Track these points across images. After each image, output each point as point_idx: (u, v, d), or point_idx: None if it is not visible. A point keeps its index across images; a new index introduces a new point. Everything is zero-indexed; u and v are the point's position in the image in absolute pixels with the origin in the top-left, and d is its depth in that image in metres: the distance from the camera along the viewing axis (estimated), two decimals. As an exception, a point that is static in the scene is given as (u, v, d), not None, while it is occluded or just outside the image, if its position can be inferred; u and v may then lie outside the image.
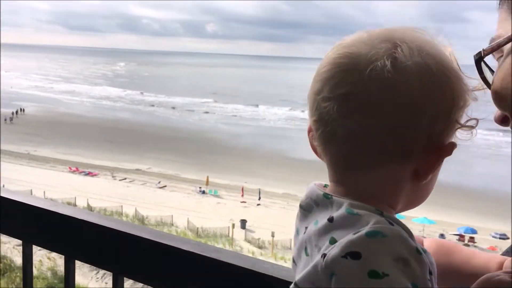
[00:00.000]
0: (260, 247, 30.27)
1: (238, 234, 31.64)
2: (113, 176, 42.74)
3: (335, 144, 0.79)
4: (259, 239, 31.08)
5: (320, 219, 0.78)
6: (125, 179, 42.51)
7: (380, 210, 0.74)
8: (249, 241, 31.12)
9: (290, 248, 30.42)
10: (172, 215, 33.40)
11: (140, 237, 1.34)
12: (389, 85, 0.74)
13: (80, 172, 42.94)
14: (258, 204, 37.46)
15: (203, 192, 39.42)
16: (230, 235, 30.98)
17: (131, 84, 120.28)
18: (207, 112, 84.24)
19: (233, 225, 31.32)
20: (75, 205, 34.30)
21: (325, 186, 0.86)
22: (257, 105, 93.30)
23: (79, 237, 1.49)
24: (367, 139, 0.76)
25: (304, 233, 0.81)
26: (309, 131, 0.86)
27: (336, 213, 0.75)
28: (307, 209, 0.84)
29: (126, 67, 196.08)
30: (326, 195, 0.80)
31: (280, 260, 27.66)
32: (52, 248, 1.60)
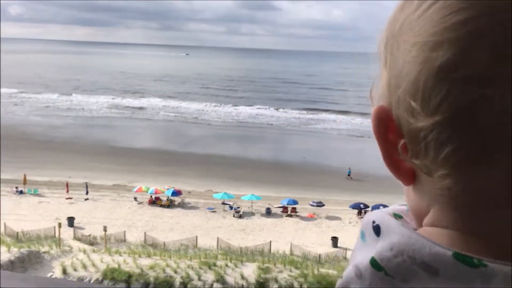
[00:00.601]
0: (92, 244, 28.91)
1: (66, 233, 29.70)
2: None
3: (492, 168, 0.42)
4: (90, 235, 29.66)
5: None
6: None
7: None
8: (78, 239, 29.47)
9: (125, 241, 29.70)
10: (-17, 222, 29.75)
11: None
12: None
13: None
14: (86, 199, 35.51)
15: (21, 192, 35.91)
16: (57, 235, 28.85)
17: None
18: (16, 104, 76.57)
19: (60, 224, 29.17)
20: None
21: (396, 216, 0.53)
22: (71, 94, 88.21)
23: None
24: None
25: None
26: (393, 136, 0.48)
27: None
28: (400, 274, 0.44)
29: None
30: (468, 260, 0.41)
31: (115, 255, 26.78)
32: None
